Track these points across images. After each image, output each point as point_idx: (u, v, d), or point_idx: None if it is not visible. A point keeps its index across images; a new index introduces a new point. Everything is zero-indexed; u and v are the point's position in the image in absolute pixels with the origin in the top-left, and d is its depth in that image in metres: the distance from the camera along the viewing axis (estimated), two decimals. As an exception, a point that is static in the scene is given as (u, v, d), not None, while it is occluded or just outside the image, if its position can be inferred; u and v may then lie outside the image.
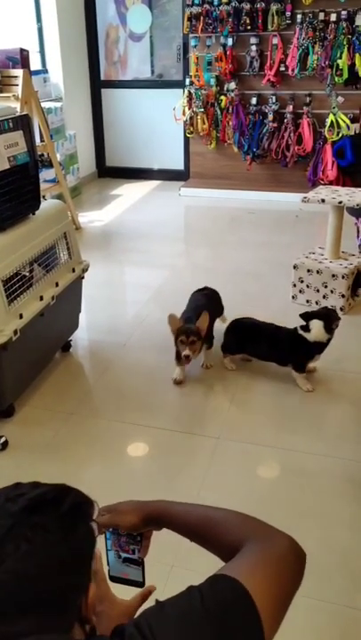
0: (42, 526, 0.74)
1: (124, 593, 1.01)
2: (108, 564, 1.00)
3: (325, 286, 3.45)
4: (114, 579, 1.00)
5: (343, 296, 3.41)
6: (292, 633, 1.62)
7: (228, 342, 2.96)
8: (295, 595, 0.81)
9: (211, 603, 0.72)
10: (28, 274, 2.68)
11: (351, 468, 2.28)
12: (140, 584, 1.01)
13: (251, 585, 0.74)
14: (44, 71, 5.81)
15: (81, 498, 0.83)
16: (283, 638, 1.59)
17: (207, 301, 3.07)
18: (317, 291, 3.49)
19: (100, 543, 0.94)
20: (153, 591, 0.99)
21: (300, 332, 2.73)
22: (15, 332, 2.44)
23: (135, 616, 0.81)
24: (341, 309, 3.42)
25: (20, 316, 2.51)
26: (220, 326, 3.06)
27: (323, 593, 1.75)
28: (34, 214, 2.76)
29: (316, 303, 3.50)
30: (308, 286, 3.52)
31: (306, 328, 2.72)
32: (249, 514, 0.95)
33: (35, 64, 5.29)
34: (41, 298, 2.69)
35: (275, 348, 2.82)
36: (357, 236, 4.11)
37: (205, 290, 3.19)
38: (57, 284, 2.83)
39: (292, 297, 3.60)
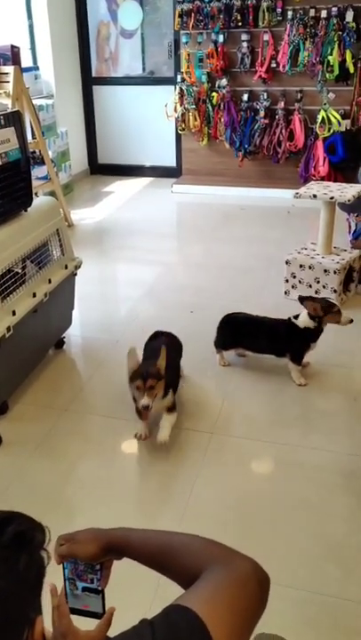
0: None
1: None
2: (65, 596, 0.96)
3: (318, 282, 3.46)
4: (73, 610, 0.95)
5: (335, 291, 3.43)
6: (285, 624, 1.63)
7: (221, 338, 2.96)
8: (258, 620, 0.78)
9: (162, 636, 0.69)
10: (20, 271, 2.68)
11: (344, 460, 2.29)
12: (100, 615, 0.96)
13: (207, 614, 0.71)
14: (35, 68, 5.80)
15: (26, 525, 0.78)
16: (276, 630, 1.61)
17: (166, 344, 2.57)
18: (310, 286, 3.50)
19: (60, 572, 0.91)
20: (113, 612, 0.94)
21: (293, 320, 2.77)
22: (8, 329, 2.44)
23: None
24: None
25: (13, 313, 2.51)
26: (215, 322, 3.07)
27: (315, 585, 1.77)
28: (26, 211, 2.75)
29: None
30: (300, 282, 3.54)
31: (297, 317, 2.77)
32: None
33: (25, 61, 5.27)
34: (34, 295, 2.68)
35: (272, 340, 2.84)
36: (349, 232, 4.13)
37: (162, 335, 2.76)
38: (50, 281, 2.83)
39: (285, 292, 3.62)
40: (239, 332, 2.93)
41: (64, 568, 0.97)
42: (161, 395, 2.32)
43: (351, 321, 2.74)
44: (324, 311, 2.71)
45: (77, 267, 3.10)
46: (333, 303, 2.77)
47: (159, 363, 2.31)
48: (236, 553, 0.86)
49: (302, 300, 2.76)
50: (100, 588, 0.96)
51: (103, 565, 0.96)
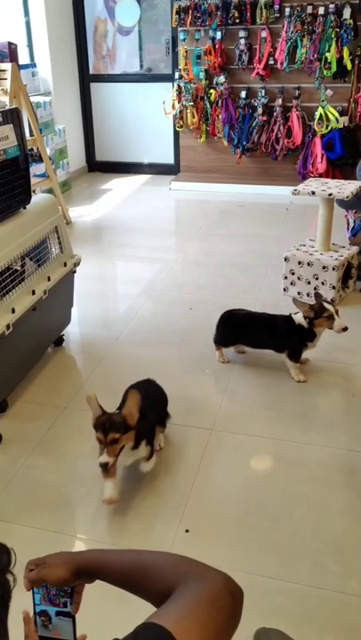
0: None
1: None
2: (35, 623, 0.93)
3: (316, 278, 3.47)
4: (42, 639, 0.92)
5: (334, 288, 3.43)
6: (285, 619, 1.64)
7: (220, 335, 2.97)
8: (233, 634, 0.78)
9: None
10: (19, 268, 2.68)
11: (343, 456, 2.30)
12: None
13: (179, 631, 0.70)
14: (33, 65, 5.78)
15: None
16: (276, 625, 1.62)
17: (151, 396, 2.31)
18: (308, 283, 3.50)
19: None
20: None
21: (293, 316, 2.79)
22: (7, 327, 2.44)
23: None
24: (333, 301, 3.44)
25: (13, 311, 2.51)
26: (214, 319, 3.07)
27: (315, 579, 1.77)
28: (25, 208, 2.75)
29: (308, 295, 3.52)
30: (299, 278, 3.54)
31: (297, 313, 2.79)
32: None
33: (23, 58, 5.25)
34: (33, 292, 2.68)
35: (271, 335, 2.84)
36: (347, 229, 4.13)
37: (143, 382, 2.43)
38: (49, 279, 2.83)
39: (284, 289, 3.62)
40: (239, 329, 2.93)
41: (34, 595, 0.94)
42: (130, 446, 1.99)
43: (345, 329, 2.68)
44: (315, 314, 2.69)
45: (76, 264, 3.10)
46: (326, 308, 2.70)
47: (127, 410, 1.97)
48: (208, 567, 0.85)
49: (294, 300, 2.76)
50: (72, 614, 0.94)
51: (74, 590, 0.94)
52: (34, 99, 5.12)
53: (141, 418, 1.99)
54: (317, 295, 2.85)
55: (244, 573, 1.81)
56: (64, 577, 0.92)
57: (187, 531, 1.97)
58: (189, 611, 0.75)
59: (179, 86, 5.95)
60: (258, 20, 5.49)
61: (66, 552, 0.95)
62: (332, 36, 5.29)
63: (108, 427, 1.93)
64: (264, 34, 5.53)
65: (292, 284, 3.58)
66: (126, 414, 1.97)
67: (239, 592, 0.83)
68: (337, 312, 2.73)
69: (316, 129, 5.60)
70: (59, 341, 3.18)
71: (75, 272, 3.12)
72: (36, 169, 4.94)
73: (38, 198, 2.96)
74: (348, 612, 1.68)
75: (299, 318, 2.75)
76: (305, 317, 2.72)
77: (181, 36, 5.81)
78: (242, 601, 0.83)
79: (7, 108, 2.67)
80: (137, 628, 0.72)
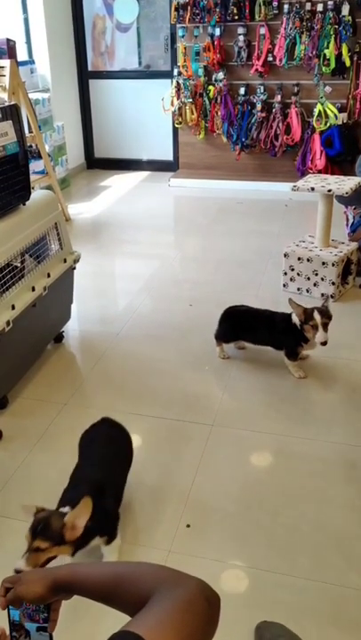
0: None
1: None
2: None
3: (316, 274, 3.47)
4: None
5: (333, 284, 3.44)
6: (286, 613, 1.65)
7: (222, 330, 2.97)
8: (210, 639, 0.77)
9: None
10: (19, 264, 2.68)
11: (343, 451, 2.31)
12: None
13: (154, 637, 0.70)
14: (31, 62, 5.77)
15: None
16: (277, 618, 1.62)
17: (113, 451, 1.98)
18: (308, 279, 3.51)
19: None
20: None
21: (293, 314, 2.77)
22: (7, 323, 2.44)
23: None
24: (332, 297, 3.45)
25: (12, 307, 2.51)
26: (213, 315, 3.07)
27: (316, 573, 1.78)
28: (24, 205, 2.75)
29: (307, 291, 3.53)
30: (298, 274, 3.54)
31: None
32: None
33: (21, 55, 5.24)
34: (33, 289, 2.68)
35: (270, 332, 2.84)
36: (347, 225, 4.13)
37: (106, 423, 2.07)
38: (49, 275, 2.83)
39: (283, 285, 3.62)
40: (240, 325, 2.94)
41: (9, 613, 0.93)
42: (67, 554, 1.55)
43: (323, 343, 2.62)
44: (305, 319, 2.65)
45: (76, 260, 3.10)
46: (313, 317, 2.62)
47: (71, 519, 1.54)
48: (183, 574, 0.85)
49: (290, 301, 2.71)
50: (50, 630, 0.93)
51: (51, 607, 0.93)
52: (32, 95, 5.12)
53: (97, 505, 1.57)
54: (326, 299, 2.81)
55: (245, 567, 1.82)
56: (41, 593, 0.91)
57: (188, 525, 1.97)
58: (164, 617, 0.75)
59: (178, 83, 5.95)
60: (257, 16, 5.48)
61: (41, 568, 0.96)
62: (331, 32, 5.29)
63: (39, 531, 1.52)
64: (263, 30, 5.52)
65: (291, 279, 3.59)
66: (68, 524, 1.53)
67: (215, 597, 0.82)
68: (325, 325, 2.63)
69: (315, 125, 5.60)
70: (59, 338, 3.18)
71: (74, 268, 3.12)
72: (34, 166, 4.93)
73: (38, 195, 2.96)
74: (348, 605, 1.69)
75: (295, 318, 2.73)
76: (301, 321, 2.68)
77: (180, 32, 5.80)
78: (218, 606, 0.82)
79: (6, 104, 2.67)
80: (112, 636, 0.72)
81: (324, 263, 3.43)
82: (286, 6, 5.35)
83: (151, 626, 0.72)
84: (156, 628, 0.72)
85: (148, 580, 0.85)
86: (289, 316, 2.79)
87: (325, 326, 2.63)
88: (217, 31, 5.65)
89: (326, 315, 2.66)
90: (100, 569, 0.94)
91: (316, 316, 2.62)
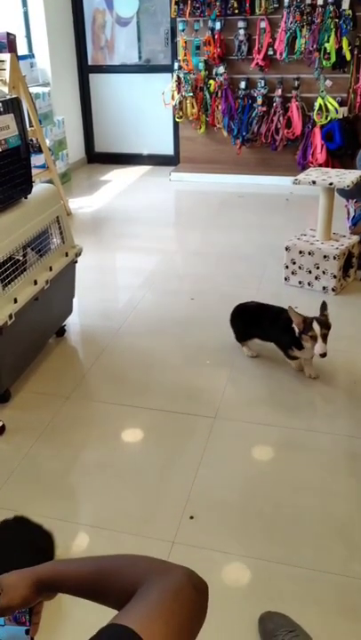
0: None
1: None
2: None
3: (317, 267, 3.47)
4: None
5: (335, 277, 3.44)
6: (290, 603, 1.66)
7: (235, 331, 2.93)
8: (199, 628, 0.77)
9: None
10: (21, 258, 2.68)
11: (346, 442, 2.31)
12: None
13: (143, 628, 0.69)
14: (31, 56, 5.76)
15: None
16: (281, 608, 1.63)
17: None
18: (309, 272, 3.51)
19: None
20: None
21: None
22: (10, 317, 2.44)
23: None
24: (334, 290, 3.45)
25: (15, 301, 2.51)
26: (215, 308, 3.07)
27: (320, 563, 1.79)
28: (26, 198, 2.75)
29: (309, 284, 3.53)
30: (300, 268, 3.54)
31: None
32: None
33: (21, 49, 5.23)
34: (35, 282, 2.69)
35: (273, 328, 2.79)
36: (348, 218, 4.13)
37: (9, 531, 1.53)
38: (50, 269, 2.83)
39: (285, 279, 3.63)
40: (250, 324, 2.90)
41: None
42: None
43: (322, 355, 2.54)
44: (303, 329, 2.56)
45: (78, 254, 3.10)
46: (313, 328, 2.53)
47: None
48: (169, 564, 0.84)
49: (290, 309, 2.62)
50: (32, 635, 0.89)
51: (33, 611, 0.88)
52: (33, 89, 5.11)
53: None
54: (323, 306, 2.66)
55: (248, 558, 1.83)
56: (25, 594, 0.87)
57: (191, 517, 1.98)
58: (153, 608, 0.74)
59: (178, 77, 5.93)
60: (257, 10, 5.47)
61: (19, 570, 0.91)
62: (332, 26, 5.27)
63: None
64: (263, 24, 5.51)
65: (293, 273, 3.59)
66: None
67: (203, 585, 0.81)
68: (325, 336, 2.54)
69: (316, 119, 5.60)
70: (61, 332, 3.18)
71: (76, 262, 3.12)
72: (35, 160, 4.91)
73: (39, 188, 2.96)
74: (352, 594, 1.70)
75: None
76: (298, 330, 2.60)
77: (180, 26, 5.79)
78: (207, 594, 0.81)
79: (8, 97, 2.66)
80: (100, 630, 0.71)
81: (325, 256, 3.43)
82: (286, 0, 5.33)
83: (140, 617, 0.72)
84: (145, 619, 0.71)
85: (134, 572, 0.84)
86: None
87: (325, 337, 2.54)
88: (217, 25, 5.63)
89: (326, 325, 2.57)
90: (83, 563, 0.91)
91: (316, 326, 2.53)
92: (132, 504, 2.06)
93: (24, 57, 5.44)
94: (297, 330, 2.59)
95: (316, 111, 5.57)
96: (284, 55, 5.51)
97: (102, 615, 0.76)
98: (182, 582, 0.79)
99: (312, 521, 1.95)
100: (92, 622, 0.75)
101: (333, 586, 1.72)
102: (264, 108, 5.76)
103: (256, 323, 2.89)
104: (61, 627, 1.45)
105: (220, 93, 5.85)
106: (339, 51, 5.35)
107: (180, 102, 6.01)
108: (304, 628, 1.55)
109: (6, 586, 0.87)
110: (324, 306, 2.65)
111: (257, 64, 5.65)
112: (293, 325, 2.61)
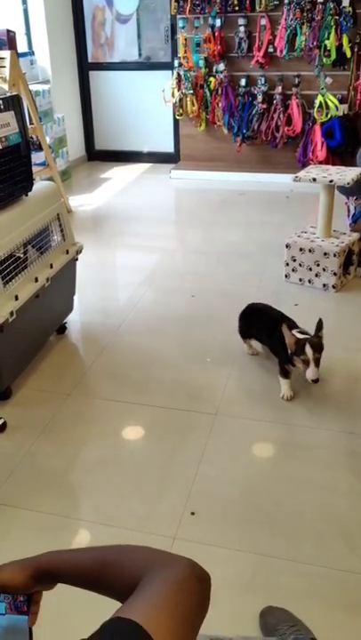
0: None
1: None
2: None
3: (318, 264, 3.47)
4: None
5: (335, 274, 3.44)
6: (291, 598, 1.67)
7: (240, 327, 2.91)
8: (203, 619, 0.76)
9: None
10: (22, 255, 2.69)
11: (345, 439, 2.32)
12: None
13: (147, 620, 0.68)
14: (31, 53, 5.75)
15: None
16: (282, 603, 1.64)
17: None
18: (310, 269, 3.51)
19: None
20: None
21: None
22: (11, 314, 2.45)
23: None
24: (334, 287, 3.45)
25: (16, 298, 2.52)
26: (216, 306, 3.07)
27: (321, 559, 1.80)
28: (27, 195, 2.75)
29: (309, 282, 3.53)
30: (300, 265, 3.55)
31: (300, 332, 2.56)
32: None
33: (21, 46, 5.22)
34: (36, 279, 2.69)
35: (271, 336, 2.69)
36: (348, 215, 4.13)
37: None
38: (51, 266, 2.83)
39: (285, 276, 3.63)
40: (251, 324, 2.90)
41: None
42: None
43: (315, 381, 2.40)
44: (296, 350, 2.43)
45: (78, 252, 3.10)
46: (305, 352, 2.38)
47: None
48: (172, 555, 0.83)
49: (284, 328, 2.48)
50: (30, 624, 0.87)
51: (32, 600, 0.87)
52: (33, 87, 5.10)
53: None
54: (319, 325, 2.49)
55: (249, 554, 1.83)
56: (24, 582, 0.86)
57: (192, 513, 1.99)
58: (156, 600, 0.73)
59: (178, 74, 5.93)
60: (257, 7, 5.46)
61: (19, 559, 0.90)
62: (332, 23, 5.27)
63: None
64: (263, 21, 5.50)
65: (293, 270, 3.59)
66: None
67: (206, 576, 0.81)
68: (317, 360, 2.40)
69: (316, 117, 5.59)
70: (62, 329, 3.19)
71: (77, 260, 3.12)
72: (35, 158, 4.90)
73: (40, 186, 2.96)
74: (352, 589, 1.70)
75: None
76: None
77: (180, 23, 5.78)
78: (209, 585, 0.81)
79: (8, 94, 2.67)
80: (103, 624, 0.70)
81: (325, 254, 3.43)
82: (287, -3, 5.33)
83: (144, 610, 0.71)
84: (149, 611, 0.70)
85: (135, 563, 0.83)
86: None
87: (317, 361, 2.40)
88: (217, 22, 5.63)
89: (319, 348, 2.42)
90: (84, 553, 0.91)
91: (308, 350, 2.38)
92: (133, 500, 2.07)
93: (24, 54, 5.43)
94: (289, 350, 2.48)
95: (316, 108, 5.56)
96: (284, 52, 5.50)
97: (103, 606, 0.76)
98: (185, 573, 0.78)
99: (313, 517, 1.96)
100: (93, 616, 0.75)
101: (334, 581, 1.73)
102: (264, 106, 5.75)
103: (257, 326, 2.86)
104: (63, 621, 1.46)
105: (220, 91, 5.85)
106: (339, 48, 5.35)
107: (181, 100, 6.01)
108: (305, 623, 1.56)
109: (3, 568, 0.86)
110: (319, 325, 2.49)
111: (257, 61, 5.64)
112: (286, 343, 2.49)
